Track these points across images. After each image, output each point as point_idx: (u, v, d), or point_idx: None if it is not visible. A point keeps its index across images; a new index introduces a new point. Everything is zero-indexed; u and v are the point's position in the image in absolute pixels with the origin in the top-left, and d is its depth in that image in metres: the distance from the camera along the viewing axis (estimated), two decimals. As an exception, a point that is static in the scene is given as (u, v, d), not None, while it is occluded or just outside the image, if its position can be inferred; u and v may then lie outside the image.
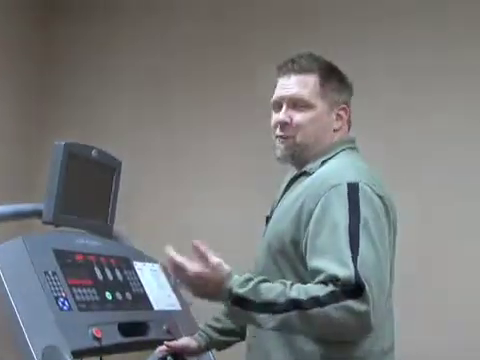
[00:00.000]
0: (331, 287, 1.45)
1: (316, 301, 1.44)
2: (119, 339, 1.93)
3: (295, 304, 1.46)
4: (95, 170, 2.25)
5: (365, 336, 1.55)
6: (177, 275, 1.57)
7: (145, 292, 2.17)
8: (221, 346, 2.02)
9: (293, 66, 1.74)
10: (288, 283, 1.51)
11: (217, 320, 1.98)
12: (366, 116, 2.52)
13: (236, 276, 1.53)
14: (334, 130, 1.76)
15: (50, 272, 1.87)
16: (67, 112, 3.59)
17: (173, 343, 1.97)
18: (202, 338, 1.98)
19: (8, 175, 3.40)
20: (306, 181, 1.69)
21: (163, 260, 2.32)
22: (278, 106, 1.76)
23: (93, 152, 2.22)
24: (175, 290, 2.30)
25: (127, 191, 2.47)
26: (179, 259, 1.55)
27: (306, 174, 1.72)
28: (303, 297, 1.46)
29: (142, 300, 2.14)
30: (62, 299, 1.84)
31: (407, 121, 2.80)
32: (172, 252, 1.56)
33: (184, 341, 1.98)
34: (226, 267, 1.54)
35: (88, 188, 2.23)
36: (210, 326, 1.99)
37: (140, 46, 3.47)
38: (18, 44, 3.51)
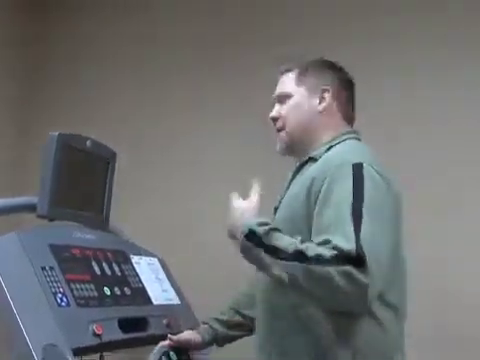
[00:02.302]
0: (336, 252, 1.47)
1: (320, 259, 1.47)
2: (120, 335, 1.87)
3: (301, 256, 1.49)
4: (90, 161, 2.16)
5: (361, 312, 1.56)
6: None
7: (143, 286, 2.11)
8: (225, 340, 1.97)
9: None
10: (299, 238, 1.55)
11: (223, 313, 1.94)
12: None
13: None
14: (319, 112, 1.79)
15: (47, 267, 1.80)
16: (58, 104, 3.51)
17: (176, 337, 1.92)
18: (206, 332, 1.93)
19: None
20: (313, 165, 1.72)
21: (160, 252, 2.28)
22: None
23: (88, 143, 2.14)
24: (173, 283, 2.25)
25: (123, 183, 2.40)
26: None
27: (312, 160, 1.76)
28: (310, 253, 1.48)
29: (141, 295, 2.07)
30: (60, 295, 1.77)
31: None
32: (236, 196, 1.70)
33: (187, 335, 1.93)
34: (255, 210, 1.65)
35: (83, 180, 2.15)
36: (215, 319, 1.94)
37: (133, 39, 3.39)
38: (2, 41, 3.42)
